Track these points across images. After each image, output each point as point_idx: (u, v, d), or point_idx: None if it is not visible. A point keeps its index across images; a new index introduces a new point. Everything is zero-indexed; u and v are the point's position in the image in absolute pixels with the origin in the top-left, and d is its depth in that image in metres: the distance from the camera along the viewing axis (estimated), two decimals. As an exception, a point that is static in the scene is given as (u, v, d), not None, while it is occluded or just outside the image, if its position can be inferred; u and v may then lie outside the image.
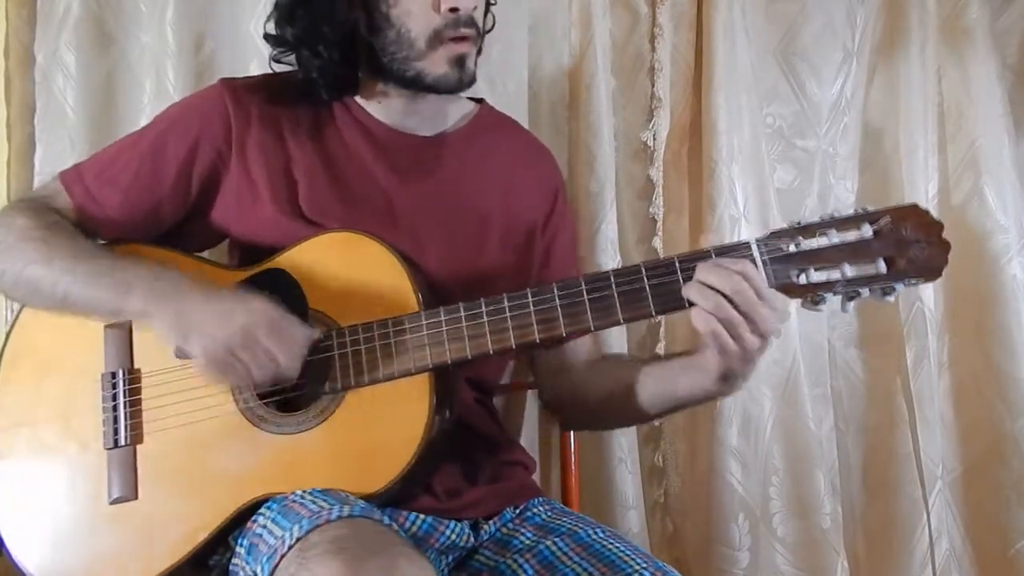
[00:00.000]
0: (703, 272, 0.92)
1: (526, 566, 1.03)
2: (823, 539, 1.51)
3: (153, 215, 1.10)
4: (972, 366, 1.57)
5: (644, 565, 0.96)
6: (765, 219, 1.52)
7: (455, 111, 1.20)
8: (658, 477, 1.57)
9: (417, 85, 1.09)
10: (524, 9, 1.49)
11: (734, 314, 0.90)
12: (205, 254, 1.21)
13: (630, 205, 1.57)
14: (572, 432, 1.38)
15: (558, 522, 1.08)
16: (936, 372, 1.56)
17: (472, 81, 1.10)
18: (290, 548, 0.85)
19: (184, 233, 1.14)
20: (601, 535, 1.03)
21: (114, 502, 1.00)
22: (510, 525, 1.11)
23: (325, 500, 0.92)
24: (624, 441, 1.49)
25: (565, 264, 1.24)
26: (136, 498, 1.01)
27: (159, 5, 1.42)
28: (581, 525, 1.06)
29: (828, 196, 1.60)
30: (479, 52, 1.13)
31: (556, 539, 1.04)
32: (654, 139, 1.54)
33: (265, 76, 1.19)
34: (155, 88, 1.41)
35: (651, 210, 1.55)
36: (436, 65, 1.07)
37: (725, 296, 0.90)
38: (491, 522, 1.10)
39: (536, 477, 1.26)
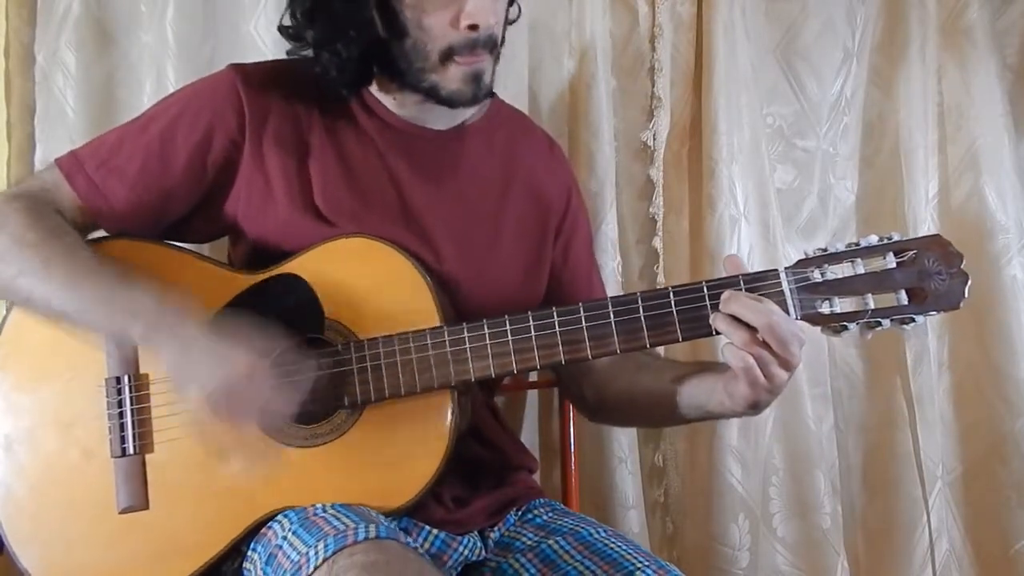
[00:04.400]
0: (730, 303, 0.92)
1: (528, 565, 1.02)
2: (823, 539, 1.51)
3: (160, 208, 1.05)
4: (972, 366, 1.57)
5: (646, 563, 0.96)
6: (765, 219, 1.52)
7: None
8: (658, 477, 1.57)
9: (432, 97, 1.05)
10: (524, 10, 1.49)
11: (765, 352, 0.90)
12: (207, 248, 1.20)
13: (630, 205, 1.57)
14: (572, 432, 1.39)
15: (560, 522, 1.08)
16: (936, 372, 1.56)
17: (489, 94, 1.07)
18: (316, 568, 0.84)
19: (188, 226, 1.10)
20: (603, 534, 1.03)
21: (123, 511, 0.98)
22: (513, 527, 1.11)
23: (348, 517, 0.91)
24: (624, 441, 1.49)
25: (586, 262, 1.23)
26: (147, 508, 0.99)
27: (159, 5, 1.41)
28: (583, 525, 1.06)
29: (828, 196, 1.61)
30: (497, 60, 1.09)
31: (558, 538, 1.04)
32: (654, 139, 1.54)
33: (276, 62, 1.14)
34: (155, 88, 1.40)
35: (651, 210, 1.55)
36: (450, 81, 1.03)
37: (754, 330, 0.90)
38: (496, 528, 1.10)
39: (536, 477, 1.26)
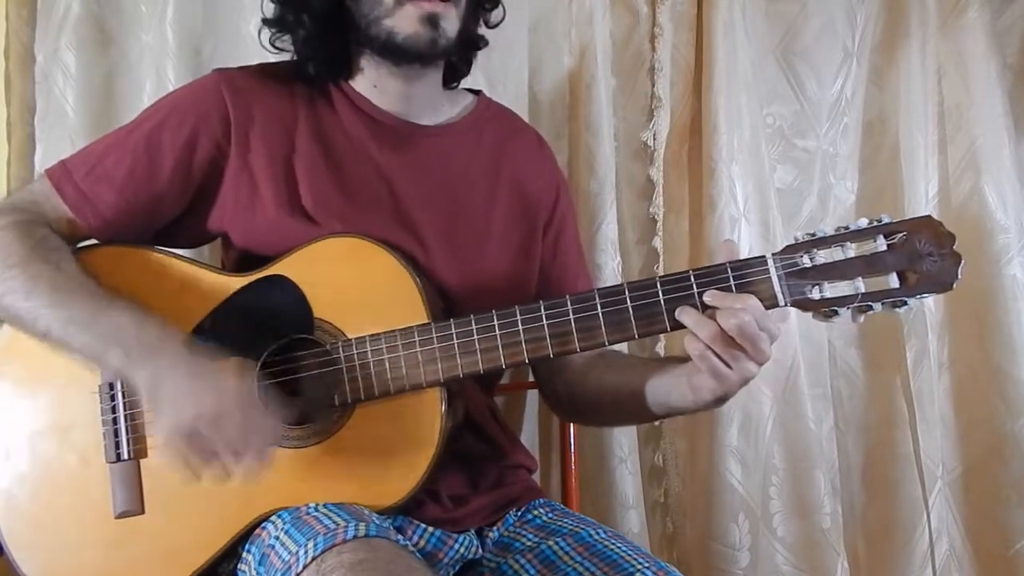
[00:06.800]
0: (709, 297, 0.91)
1: (528, 566, 1.02)
2: (823, 539, 1.51)
3: (149, 212, 1.06)
4: (972, 366, 1.57)
5: (646, 564, 0.96)
6: (765, 219, 1.52)
7: (454, 102, 1.18)
8: (658, 477, 1.57)
9: (390, 48, 1.05)
10: (524, 9, 1.50)
11: (734, 349, 0.90)
12: (196, 253, 1.20)
13: (630, 205, 1.57)
14: (572, 432, 1.39)
15: (559, 523, 1.08)
16: (936, 372, 1.56)
17: (449, 45, 1.06)
18: (304, 567, 0.85)
19: (178, 230, 1.10)
20: (603, 535, 1.03)
21: (120, 516, 0.99)
22: (512, 527, 1.11)
23: (339, 515, 0.91)
24: (624, 441, 1.49)
25: (575, 258, 1.23)
26: (143, 512, 0.99)
27: (159, 5, 1.41)
28: (583, 526, 1.06)
29: (828, 196, 1.61)
30: (478, 22, 1.09)
31: (558, 539, 1.04)
32: (654, 139, 1.54)
33: (260, 65, 1.15)
34: (155, 88, 1.40)
35: (651, 210, 1.55)
36: (406, 23, 1.03)
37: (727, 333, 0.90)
38: (495, 528, 1.10)
39: (536, 477, 1.26)
